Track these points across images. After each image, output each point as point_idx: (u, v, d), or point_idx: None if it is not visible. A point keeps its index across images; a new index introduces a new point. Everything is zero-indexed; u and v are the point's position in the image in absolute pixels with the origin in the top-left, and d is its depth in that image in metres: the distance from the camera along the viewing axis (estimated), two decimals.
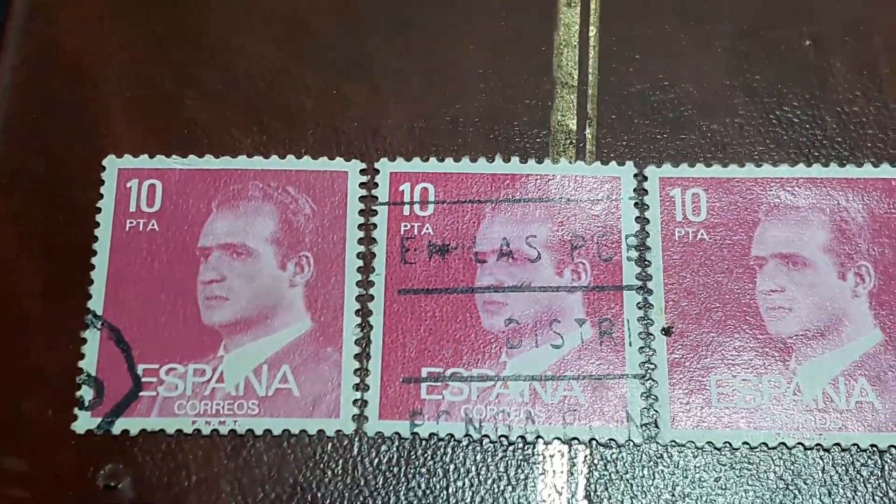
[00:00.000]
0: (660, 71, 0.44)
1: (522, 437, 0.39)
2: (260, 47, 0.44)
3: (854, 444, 0.38)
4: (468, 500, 0.38)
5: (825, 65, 0.43)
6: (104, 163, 0.42)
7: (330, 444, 0.38)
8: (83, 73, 0.44)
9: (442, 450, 0.38)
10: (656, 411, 0.39)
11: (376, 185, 0.42)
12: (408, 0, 0.45)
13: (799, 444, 0.38)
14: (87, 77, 0.44)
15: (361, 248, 0.41)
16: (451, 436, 0.39)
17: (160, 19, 0.44)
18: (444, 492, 0.38)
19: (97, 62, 0.44)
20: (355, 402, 0.39)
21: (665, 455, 0.38)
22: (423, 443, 0.38)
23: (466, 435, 0.38)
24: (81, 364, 0.39)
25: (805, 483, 0.38)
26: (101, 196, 0.41)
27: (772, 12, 0.44)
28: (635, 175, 0.42)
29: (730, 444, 0.38)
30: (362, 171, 0.42)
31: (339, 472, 0.38)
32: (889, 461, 0.38)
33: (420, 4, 0.45)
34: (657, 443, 0.38)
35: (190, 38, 0.44)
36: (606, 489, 0.38)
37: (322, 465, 0.38)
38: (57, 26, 0.44)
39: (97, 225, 0.41)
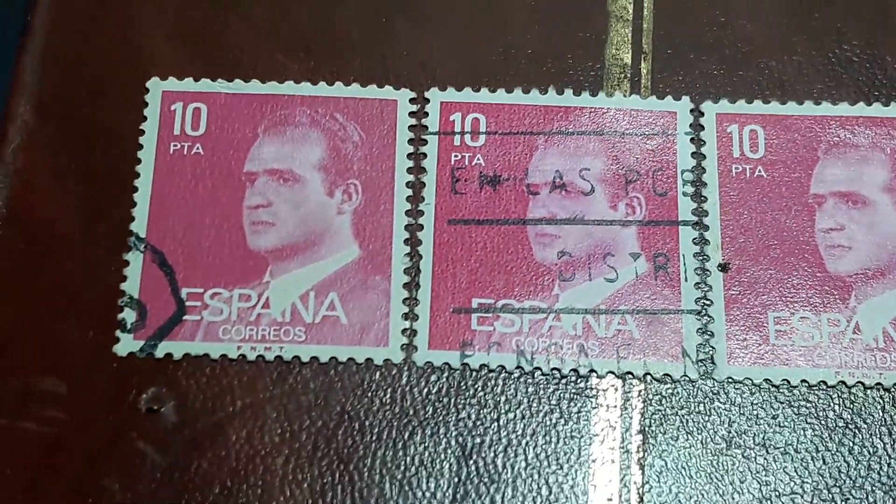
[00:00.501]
0: (716, 7, 0.43)
1: (575, 370, 0.38)
2: None
3: None
4: (519, 433, 0.37)
5: (884, 3, 0.43)
6: (148, 85, 0.41)
7: (378, 373, 0.37)
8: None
9: (493, 381, 0.37)
10: (713, 347, 0.38)
11: (426, 114, 0.41)
12: None
13: (859, 382, 0.37)
14: (131, 2, 0.42)
15: (411, 178, 0.40)
16: (503, 367, 0.38)
17: None
18: (495, 423, 0.37)
19: None
20: (404, 331, 0.38)
21: (721, 391, 0.37)
22: (474, 374, 0.38)
23: (518, 367, 0.38)
24: (124, 286, 0.38)
25: (865, 422, 0.37)
26: (145, 119, 0.40)
27: None
28: (692, 110, 0.41)
29: (788, 382, 0.37)
30: (412, 101, 0.41)
31: (388, 401, 0.37)
32: None
33: None
34: (713, 379, 0.38)
35: None
36: (661, 424, 0.37)
37: (370, 394, 0.37)
38: None
39: (140, 147, 0.40)
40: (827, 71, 0.42)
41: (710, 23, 0.42)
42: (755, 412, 0.37)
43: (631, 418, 0.37)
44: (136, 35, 0.42)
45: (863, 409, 0.37)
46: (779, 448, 0.37)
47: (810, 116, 0.41)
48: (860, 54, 0.42)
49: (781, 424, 0.37)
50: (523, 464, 0.37)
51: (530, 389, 0.37)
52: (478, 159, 0.40)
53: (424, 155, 0.40)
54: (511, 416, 0.37)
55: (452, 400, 0.37)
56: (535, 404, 0.37)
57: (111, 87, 0.41)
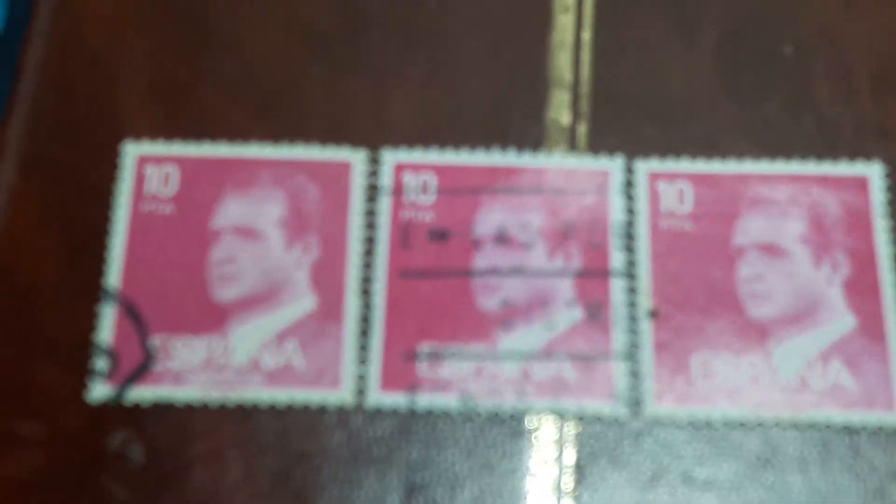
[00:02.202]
0: (648, 72, 0.46)
1: (515, 412, 0.41)
2: (268, 41, 0.46)
3: (828, 424, 0.40)
4: (462, 471, 0.40)
5: (804, 68, 0.46)
6: (122, 147, 0.44)
7: (332, 416, 0.41)
8: (103, 64, 0.46)
9: (438, 422, 0.41)
10: (641, 389, 0.41)
11: (380, 174, 0.44)
12: (413, 1, 0.47)
13: (776, 422, 0.41)
14: (107, 68, 0.46)
15: (365, 233, 0.43)
16: (447, 410, 0.41)
17: (175, 14, 0.47)
18: (440, 462, 0.40)
19: (116, 54, 0.46)
20: (356, 376, 0.41)
21: (649, 430, 0.41)
22: (421, 416, 0.41)
23: (462, 409, 0.41)
24: (96, 336, 0.41)
25: (780, 459, 0.40)
26: (119, 179, 0.44)
27: (754, 19, 0.47)
28: (625, 168, 0.44)
29: (710, 421, 0.41)
30: (367, 160, 0.44)
31: (341, 442, 0.40)
32: (861, 441, 0.40)
33: (425, 5, 0.47)
34: (641, 418, 0.41)
35: (203, 32, 0.47)
36: (593, 462, 0.40)
37: (324, 437, 0.40)
38: (79, 20, 0.47)
39: (115, 206, 0.43)
40: (750, 130, 0.45)
41: (643, 86, 0.46)
42: (680, 450, 0.40)
43: (565, 456, 0.40)
44: (113, 99, 0.45)
45: (779, 446, 0.40)
46: (701, 483, 0.40)
47: (734, 174, 0.44)
48: (781, 115, 0.45)
49: (703, 461, 0.40)
50: (466, 500, 0.40)
51: (473, 430, 0.41)
52: (427, 216, 0.43)
53: (378, 212, 0.43)
54: (454, 454, 0.40)
55: (400, 441, 0.40)
56: (477, 444, 0.40)
57: (90, 149, 0.44)
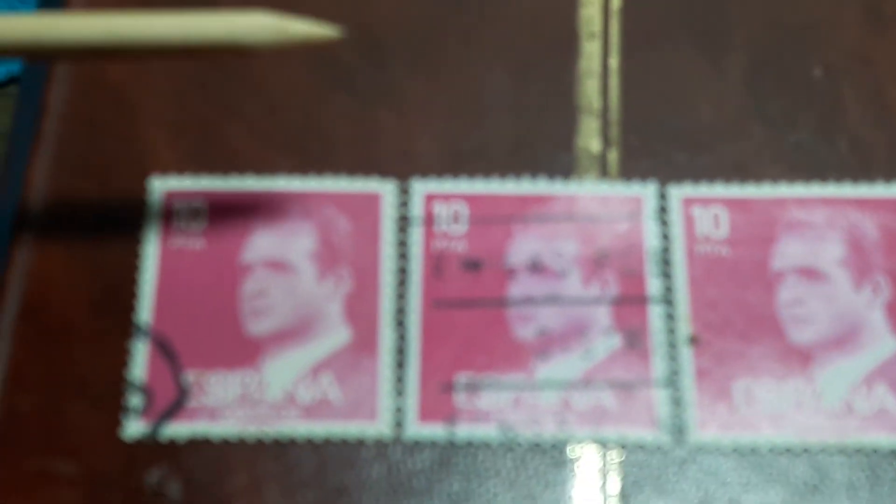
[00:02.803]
0: (678, 97, 0.46)
1: (555, 441, 0.40)
2: (293, 75, 0.46)
3: (875, 449, 0.40)
4: (506, 502, 0.39)
5: (834, 91, 0.46)
6: (150, 184, 0.44)
7: (369, 449, 0.40)
8: (127, 101, 0.46)
9: (477, 454, 0.40)
10: (683, 416, 0.40)
11: (411, 205, 0.43)
12: (437, 31, 0.47)
13: (822, 448, 0.40)
14: (131, 105, 0.46)
15: (397, 264, 0.42)
16: (486, 441, 0.40)
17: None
18: (480, 494, 0.39)
19: (139, 91, 0.46)
20: (393, 408, 0.40)
21: (693, 458, 0.40)
22: (459, 448, 0.40)
23: (501, 439, 0.40)
24: (130, 373, 0.41)
25: (828, 486, 0.39)
26: (148, 216, 0.43)
27: (783, 42, 0.47)
28: (657, 194, 0.44)
29: (754, 448, 0.40)
30: (396, 192, 0.44)
31: (379, 475, 0.39)
32: None
33: (450, 36, 0.47)
34: (685, 446, 0.40)
35: (229, 69, 0.46)
36: (637, 491, 0.39)
37: (362, 470, 0.40)
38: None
39: (143, 242, 0.43)
40: (783, 154, 0.45)
41: (674, 111, 0.45)
42: (725, 477, 0.40)
43: (609, 485, 0.40)
44: (139, 136, 0.45)
45: (827, 472, 0.40)
46: None
47: (769, 198, 0.44)
48: (812, 137, 0.45)
49: (750, 488, 0.39)
50: None
51: (514, 460, 0.40)
52: (459, 245, 0.43)
53: (409, 242, 0.43)
54: (496, 486, 0.39)
55: (439, 472, 0.40)
56: (518, 475, 0.40)
57: (117, 186, 0.44)
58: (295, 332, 0.41)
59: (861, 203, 0.43)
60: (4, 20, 0.38)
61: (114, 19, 0.38)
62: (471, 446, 0.40)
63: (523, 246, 0.43)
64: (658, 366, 0.41)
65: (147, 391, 0.40)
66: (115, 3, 0.48)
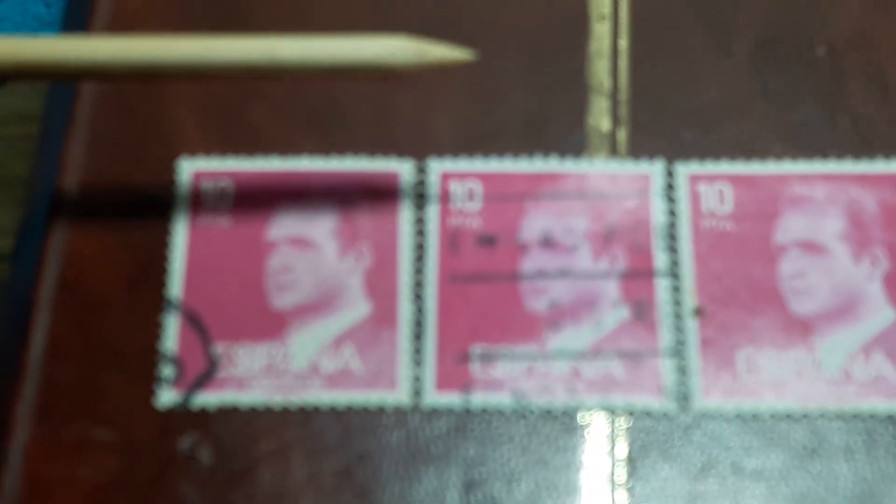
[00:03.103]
0: (685, 77, 0.47)
1: (566, 408, 0.42)
2: None
3: (872, 414, 0.42)
4: (518, 467, 0.41)
5: (837, 70, 0.47)
6: (179, 164, 0.46)
7: (389, 417, 0.42)
8: (158, 85, 0.48)
9: (492, 421, 0.42)
10: (688, 384, 0.42)
11: (427, 183, 0.45)
12: (451, 16, 0.49)
13: (821, 413, 0.42)
14: (160, 90, 0.48)
15: (415, 240, 0.44)
16: (501, 408, 0.42)
17: (226, 35, 0.48)
18: (495, 458, 0.41)
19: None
20: (412, 378, 0.42)
21: (697, 424, 0.42)
22: (475, 415, 0.42)
23: (514, 407, 0.42)
24: (163, 345, 0.43)
25: (826, 449, 0.41)
26: (178, 194, 0.45)
27: (787, 23, 0.48)
28: (665, 171, 0.46)
29: (756, 414, 0.42)
30: (414, 171, 0.46)
31: (399, 441, 0.42)
32: None
33: (464, 20, 0.49)
34: (690, 413, 0.42)
35: None
36: (644, 455, 0.41)
37: (383, 436, 0.42)
38: None
39: (174, 220, 0.45)
40: (787, 132, 0.46)
41: (680, 92, 0.47)
42: (728, 442, 0.42)
43: (617, 450, 0.42)
44: (167, 119, 0.47)
45: (825, 436, 0.41)
46: (750, 473, 0.41)
47: (773, 175, 0.45)
48: (815, 116, 0.47)
49: (751, 452, 0.41)
50: (522, 494, 0.41)
51: (527, 427, 0.42)
52: (474, 222, 0.45)
53: (426, 219, 0.45)
54: (510, 451, 0.42)
55: (455, 438, 0.42)
56: (531, 440, 0.42)
57: (147, 167, 0.46)
58: (318, 305, 0.43)
59: (861, 179, 0.45)
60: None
61: (269, 42, 0.40)
62: (485, 413, 0.42)
63: (536, 222, 0.45)
64: (664, 336, 0.43)
65: (179, 362, 0.43)
66: (139, 26, 0.50)
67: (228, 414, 0.42)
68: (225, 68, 0.41)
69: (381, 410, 0.42)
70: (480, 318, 0.43)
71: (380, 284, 0.44)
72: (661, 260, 0.44)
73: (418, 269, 0.44)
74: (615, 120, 0.47)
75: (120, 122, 0.47)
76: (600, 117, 0.47)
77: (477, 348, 0.43)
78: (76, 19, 0.49)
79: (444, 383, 0.42)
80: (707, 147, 0.46)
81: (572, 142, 0.46)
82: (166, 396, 0.42)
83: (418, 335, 0.43)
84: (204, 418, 0.42)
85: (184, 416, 0.42)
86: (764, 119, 0.47)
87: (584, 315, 0.43)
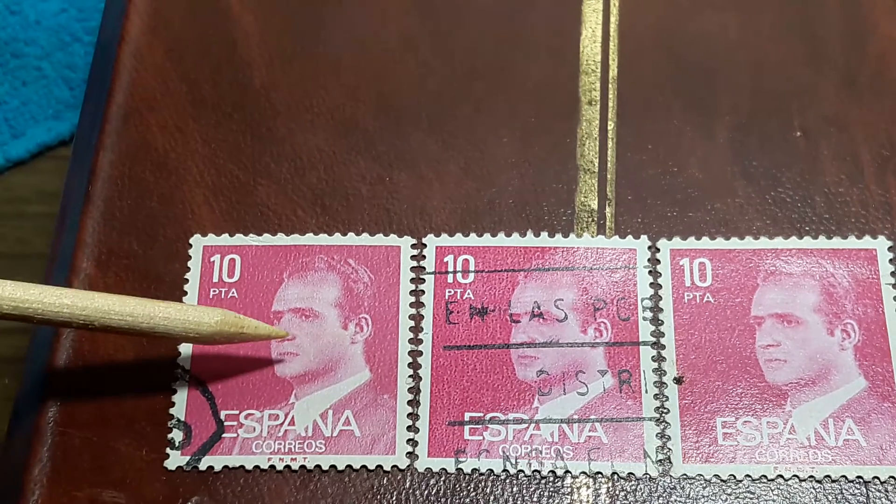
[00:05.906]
0: (669, 159, 0.50)
1: (553, 471, 0.44)
2: (320, 142, 0.51)
3: (842, 476, 0.44)
4: None
5: (813, 152, 0.50)
6: (191, 241, 0.49)
7: (386, 479, 0.44)
8: (170, 166, 0.51)
9: (483, 483, 0.44)
10: (669, 449, 0.44)
11: (424, 257, 0.48)
12: (450, 100, 0.52)
13: (794, 476, 0.44)
14: (174, 170, 0.51)
15: (412, 311, 0.47)
16: (491, 471, 0.44)
17: (235, 120, 0.52)
18: None
19: (182, 157, 0.51)
20: (408, 441, 0.45)
21: (678, 487, 0.44)
22: (467, 477, 0.44)
23: (504, 470, 0.44)
24: (172, 410, 0.45)
25: None
26: (189, 269, 0.48)
27: (765, 108, 0.51)
28: (649, 247, 0.48)
29: (734, 477, 0.44)
30: (412, 246, 0.48)
31: (394, 502, 0.44)
32: (873, 490, 0.43)
33: (460, 103, 0.52)
34: (670, 476, 0.44)
35: (260, 135, 0.51)
36: None
37: (379, 497, 0.44)
38: (147, 128, 0.52)
39: (185, 293, 0.48)
40: (764, 210, 0.49)
41: (664, 172, 0.50)
42: (707, 503, 0.44)
43: None
44: (179, 198, 0.50)
45: (798, 498, 0.44)
46: None
47: (750, 249, 0.48)
48: (793, 195, 0.49)
49: None
50: None
51: (515, 489, 0.44)
52: (468, 294, 0.48)
53: (423, 292, 0.48)
54: None
55: (449, 500, 0.44)
56: (518, 502, 0.44)
57: (160, 244, 0.49)
58: (320, 372, 0.46)
59: (835, 253, 0.48)
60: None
61: (95, 299, 0.43)
62: (477, 476, 0.44)
63: (526, 294, 0.47)
64: (647, 403, 0.45)
65: (187, 426, 0.45)
66: (154, 108, 0.53)
67: (234, 475, 0.44)
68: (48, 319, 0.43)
69: (378, 472, 0.44)
70: (473, 385, 0.46)
71: (379, 353, 0.46)
72: (644, 330, 0.47)
73: (415, 339, 0.47)
74: (603, 198, 0.50)
75: (133, 200, 0.50)
76: (589, 196, 0.50)
77: (469, 415, 0.45)
78: (96, 103, 0.53)
79: (437, 447, 0.45)
80: (689, 224, 0.49)
81: (562, 219, 0.49)
82: (175, 459, 0.45)
83: (414, 401, 0.45)
84: (210, 479, 0.44)
85: (191, 478, 0.44)
86: (743, 198, 0.49)
87: (571, 383, 0.46)
